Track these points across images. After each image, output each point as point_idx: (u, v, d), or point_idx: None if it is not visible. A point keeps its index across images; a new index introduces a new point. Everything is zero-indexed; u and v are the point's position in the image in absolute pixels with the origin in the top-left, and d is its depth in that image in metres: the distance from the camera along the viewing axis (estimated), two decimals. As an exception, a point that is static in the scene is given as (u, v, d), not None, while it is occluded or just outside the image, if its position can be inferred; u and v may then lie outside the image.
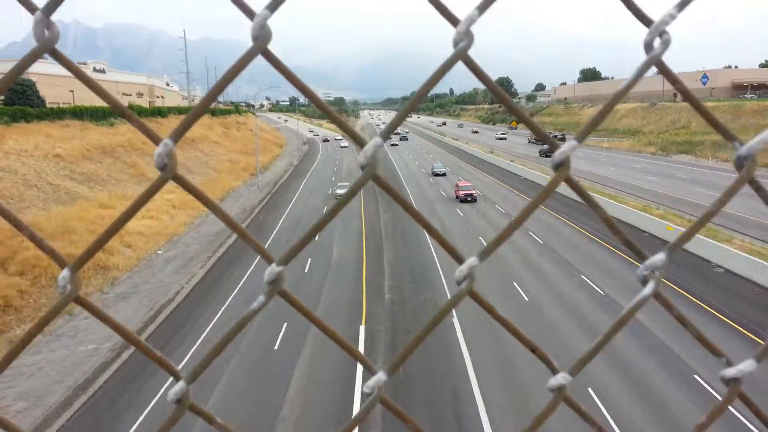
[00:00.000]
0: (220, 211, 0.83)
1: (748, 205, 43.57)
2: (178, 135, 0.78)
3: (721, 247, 30.14)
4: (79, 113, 56.71)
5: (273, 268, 0.85)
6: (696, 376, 18.32)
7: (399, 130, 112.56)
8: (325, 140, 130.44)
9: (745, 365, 0.94)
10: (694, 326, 0.94)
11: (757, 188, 0.97)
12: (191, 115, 0.77)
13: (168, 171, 0.79)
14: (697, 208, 43.19)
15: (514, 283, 27.66)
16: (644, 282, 0.90)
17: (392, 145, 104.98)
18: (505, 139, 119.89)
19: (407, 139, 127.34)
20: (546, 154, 72.05)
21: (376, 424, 16.18)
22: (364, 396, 0.87)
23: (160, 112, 75.38)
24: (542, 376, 18.70)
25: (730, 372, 0.95)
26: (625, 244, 0.93)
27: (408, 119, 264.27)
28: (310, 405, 17.47)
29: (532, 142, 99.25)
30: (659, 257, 0.89)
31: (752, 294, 25.35)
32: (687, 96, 0.96)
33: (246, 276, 30.81)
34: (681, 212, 41.64)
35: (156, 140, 0.80)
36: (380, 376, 0.87)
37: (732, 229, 35.99)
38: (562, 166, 0.87)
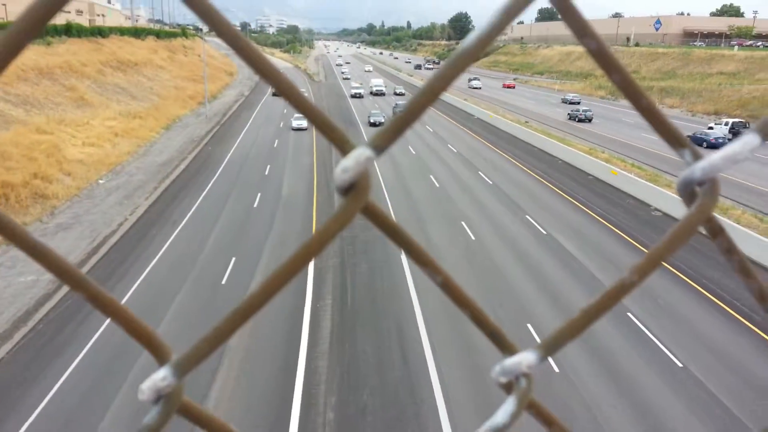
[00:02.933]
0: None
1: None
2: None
3: (660, 191, 31.33)
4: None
5: (162, 377, 0.57)
6: (629, 314, 19.39)
7: (355, 81, 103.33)
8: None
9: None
10: None
11: (714, 232, 0.62)
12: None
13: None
14: (639, 152, 44.54)
15: (462, 223, 28.19)
16: (507, 389, 0.61)
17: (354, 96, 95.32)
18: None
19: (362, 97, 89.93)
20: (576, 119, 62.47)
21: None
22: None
23: (101, 32, 71.04)
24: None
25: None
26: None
27: (362, 52, 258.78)
28: (258, 335, 17.66)
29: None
30: (526, 359, 0.60)
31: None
32: (625, 86, 0.60)
33: (193, 208, 30.24)
34: (624, 156, 42.86)
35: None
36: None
37: (673, 174, 37.36)
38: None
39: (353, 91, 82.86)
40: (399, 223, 0.58)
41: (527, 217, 29.35)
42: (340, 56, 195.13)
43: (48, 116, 42.10)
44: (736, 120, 54.23)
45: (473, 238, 26.17)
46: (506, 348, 0.62)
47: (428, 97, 0.53)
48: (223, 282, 21.64)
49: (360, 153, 0.53)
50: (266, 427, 14.00)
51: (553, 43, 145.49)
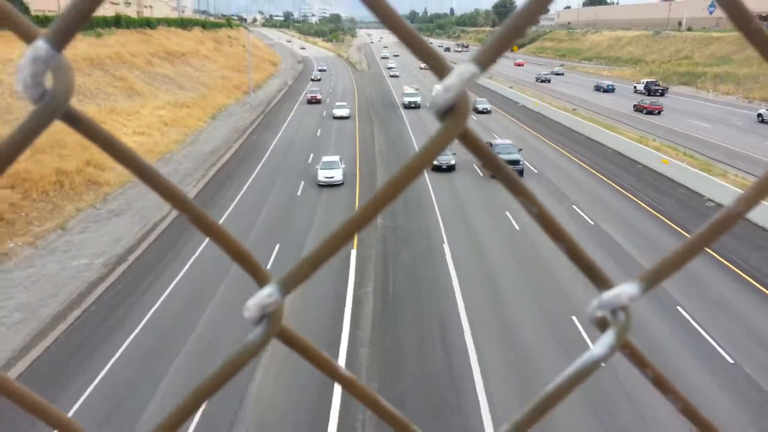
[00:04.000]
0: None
1: (742, 140, 43.46)
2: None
3: (713, 180, 30.23)
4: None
5: (268, 293, 0.57)
6: (679, 308, 18.83)
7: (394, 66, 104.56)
8: (317, 77, 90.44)
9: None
10: (680, 394, 0.67)
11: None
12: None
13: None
14: (691, 140, 43.04)
15: (506, 213, 27.83)
16: (602, 326, 0.60)
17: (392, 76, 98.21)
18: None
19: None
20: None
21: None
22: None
23: (149, 23, 72.72)
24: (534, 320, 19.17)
25: None
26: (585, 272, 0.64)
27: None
28: (301, 319, 17.89)
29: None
30: (627, 290, 0.58)
31: (739, 229, 25.68)
32: None
33: (239, 196, 30.77)
34: (676, 144, 41.49)
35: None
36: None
37: (725, 163, 36.01)
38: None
39: (406, 100, 58.77)
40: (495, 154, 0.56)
41: (574, 207, 28.77)
42: (385, 47, 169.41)
43: (100, 106, 43.43)
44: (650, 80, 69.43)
45: (517, 228, 25.82)
46: (603, 283, 0.60)
47: (525, 17, 0.50)
48: (268, 267, 21.94)
49: (463, 70, 0.50)
50: (309, 408, 14.20)
51: (601, 28, 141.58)
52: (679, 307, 18.74)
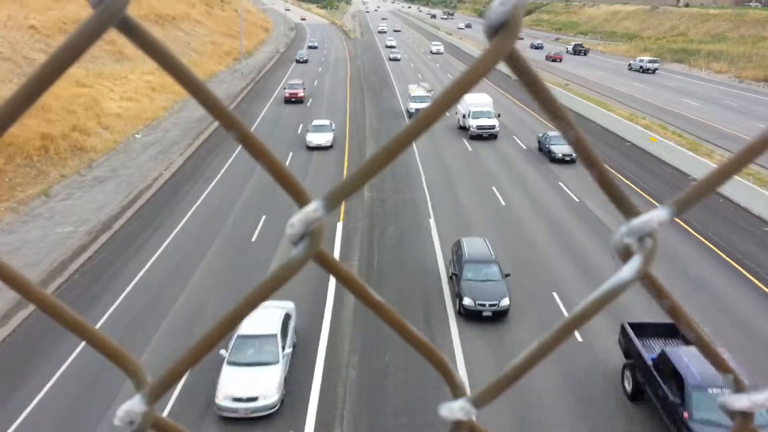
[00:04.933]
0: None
1: (731, 119, 43.54)
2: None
3: (700, 160, 30.38)
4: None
5: (314, 209, 0.57)
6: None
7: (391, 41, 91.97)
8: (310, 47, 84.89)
9: (766, 396, 0.62)
10: (694, 325, 0.66)
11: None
12: None
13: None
14: (680, 119, 43.09)
15: (493, 188, 27.90)
16: (626, 254, 0.60)
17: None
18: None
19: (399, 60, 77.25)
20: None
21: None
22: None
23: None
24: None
25: (738, 402, 0.63)
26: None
27: (400, 9, 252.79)
28: (285, 295, 18.01)
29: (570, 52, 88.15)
30: (657, 216, 0.58)
31: (719, 206, 25.93)
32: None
33: (226, 166, 30.61)
34: (666, 122, 41.52)
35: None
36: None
37: (713, 143, 36.13)
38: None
39: (413, 107, 41.57)
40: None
41: (560, 183, 28.87)
42: (384, 19, 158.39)
43: (87, 69, 42.72)
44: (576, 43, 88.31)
45: (503, 203, 25.93)
46: (630, 211, 0.62)
47: None
48: (253, 239, 22.01)
49: None
50: (292, 382, 14.39)
51: (599, 2, 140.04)
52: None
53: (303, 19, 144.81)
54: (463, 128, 38.25)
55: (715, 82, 63.27)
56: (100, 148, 31.53)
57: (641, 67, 69.03)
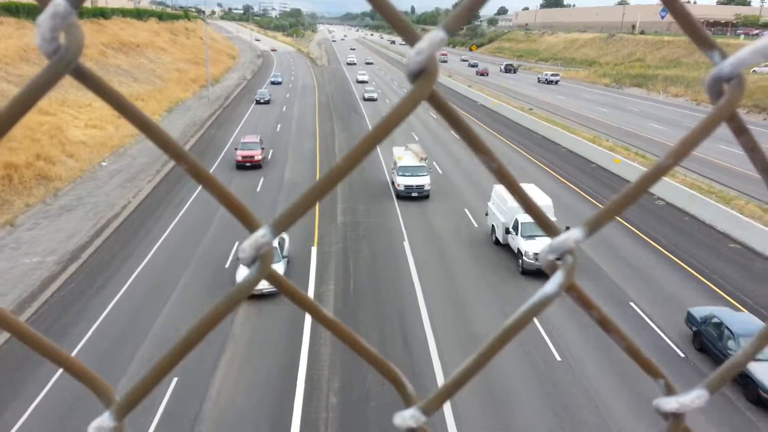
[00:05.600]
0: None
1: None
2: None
3: (663, 179, 31.27)
4: (14, 10, 52.41)
5: (262, 234, 0.60)
6: (631, 303, 19.46)
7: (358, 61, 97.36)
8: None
9: (692, 398, 0.69)
10: (623, 334, 0.72)
11: (739, 130, 0.66)
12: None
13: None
14: (644, 140, 44.41)
15: (465, 210, 28.18)
16: (551, 270, 0.66)
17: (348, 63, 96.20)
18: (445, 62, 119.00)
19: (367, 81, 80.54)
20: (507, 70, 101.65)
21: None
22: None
23: (103, 13, 70.57)
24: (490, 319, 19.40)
25: (668, 404, 0.70)
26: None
27: (365, 37, 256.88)
28: (261, 320, 17.73)
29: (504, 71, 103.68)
30: (573, 235, 0.65)
31: (685, 224, 26.65)
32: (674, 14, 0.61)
33: (197, 192, 30.23)
34: (629, 144, 42.73)
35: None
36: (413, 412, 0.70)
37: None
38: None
39: (402, 184, 29.51)
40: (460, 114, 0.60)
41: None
42: (352, 49, 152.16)
43: (50, 97, 41.87)
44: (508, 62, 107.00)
45: (476, 225, 26.19)
46: (552, 231, 0.68)
47: None
48: (227, 266, 21.70)
49: (434, 35, 0.54)
50: (271, 408, 14.10)
51: (558, 30, 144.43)
52: (631, 303, 19.37)
53: (274, 50, 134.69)
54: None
55: (674, 105, 65.60)
56: (65, 177, 30.83)
57: (547, 79, 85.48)
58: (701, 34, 0.62)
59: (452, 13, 0.56)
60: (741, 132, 0.66)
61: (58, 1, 0.49)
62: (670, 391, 0.72)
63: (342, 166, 0.59)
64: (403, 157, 30.69)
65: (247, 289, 0.60)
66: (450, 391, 0.68)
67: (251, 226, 0.62)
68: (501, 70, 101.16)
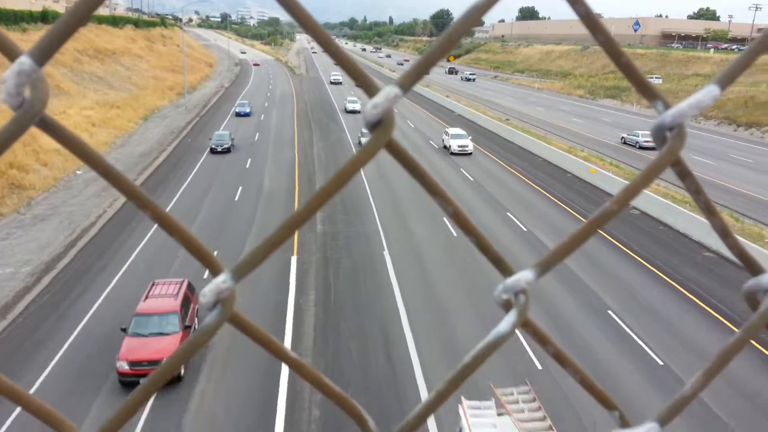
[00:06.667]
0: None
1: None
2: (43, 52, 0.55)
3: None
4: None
5: (222, 280, 0.62)
6: (609, 312, 19.73)
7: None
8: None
9: (643, 431, 0.73)
10: (578, 367, 0.75)
11: (683, 174, 0.71)
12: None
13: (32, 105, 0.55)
14: (617, 151, 45.19)
15: (444, 219, 28.34)
16: (506, 307, 0.69)
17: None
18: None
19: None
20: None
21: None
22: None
23: (78, 21, 69.50)
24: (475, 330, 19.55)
25: None
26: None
27: (344, 45, 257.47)
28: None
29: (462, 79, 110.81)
30: (524, 276, 0.68)
31: (660, 233, 27.15)
32: (607, 45, 0.69)
33: (174, 201, 29.94)
34: (603, 155, 43.45)
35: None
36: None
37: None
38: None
39: None
40: (417, 161, 0.64)
41: (508, 214, 29.63)
42: (337, 65, 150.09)
43: (23, 105, 41.12)
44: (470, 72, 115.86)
45: (454, 234, 26.35)
46: (507, 270, 0.71)
47: (444, 46, 0.59)
48: (205, 277, 21.47)
49: (389, 91, 0.58)
50: (253, 421, 13.97)
51: (533, 42, 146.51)
52: (610, 311, 19.65)
53: (256, 65, 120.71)
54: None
55: (645, 116, 66.90)
56: (39, 186, 30.28)
57: (466, 77, 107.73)
58: (647, 86, 0.68)
59: (406, 72, 0.60)
60: (685, 175, 0.70)
61: (23, 59, 0.51)
62: (624, 423, 0.76)
63: (300, 214, 0.61)
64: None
65: (209, 335, 0.61)
66: (412, 426, 0.70)
67: (214, 270, 0.63)
68: (462, 79, 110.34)
